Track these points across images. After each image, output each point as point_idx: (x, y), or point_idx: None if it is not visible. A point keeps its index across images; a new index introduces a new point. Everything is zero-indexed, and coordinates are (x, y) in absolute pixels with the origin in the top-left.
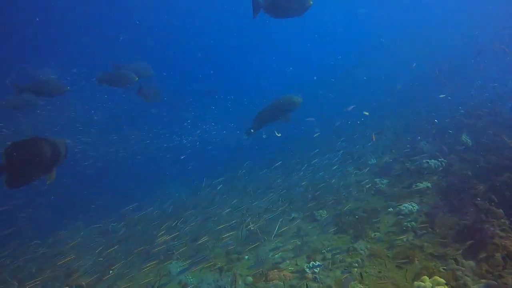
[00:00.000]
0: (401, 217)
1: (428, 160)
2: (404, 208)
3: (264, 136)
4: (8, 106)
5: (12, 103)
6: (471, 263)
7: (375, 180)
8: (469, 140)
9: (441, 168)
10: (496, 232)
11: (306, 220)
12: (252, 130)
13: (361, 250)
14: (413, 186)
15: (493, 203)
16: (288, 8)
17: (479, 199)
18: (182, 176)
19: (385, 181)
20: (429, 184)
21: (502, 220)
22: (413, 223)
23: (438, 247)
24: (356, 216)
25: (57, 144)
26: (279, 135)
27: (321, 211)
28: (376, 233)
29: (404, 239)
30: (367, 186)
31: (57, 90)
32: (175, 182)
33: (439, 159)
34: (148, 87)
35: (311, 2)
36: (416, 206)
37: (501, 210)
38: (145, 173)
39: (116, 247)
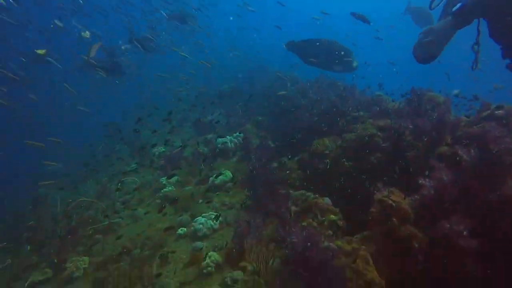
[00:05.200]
0: (198, 244)
1: (222, 138)
2: (201, 226)
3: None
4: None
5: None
6: None
7: (162, 180)
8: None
9: (239, 145)
10: None
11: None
12: None
13: None
14: (210, 180)
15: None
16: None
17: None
18: None
19: (174, 179)
20: (229, 174)
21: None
22: (216, 256)
23: None
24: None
25: None
26: None
27: (78, 259)
28: None
29: None
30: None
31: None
32: None
33: (235, 135)
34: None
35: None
36: (217, 218)
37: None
38: None
39: None
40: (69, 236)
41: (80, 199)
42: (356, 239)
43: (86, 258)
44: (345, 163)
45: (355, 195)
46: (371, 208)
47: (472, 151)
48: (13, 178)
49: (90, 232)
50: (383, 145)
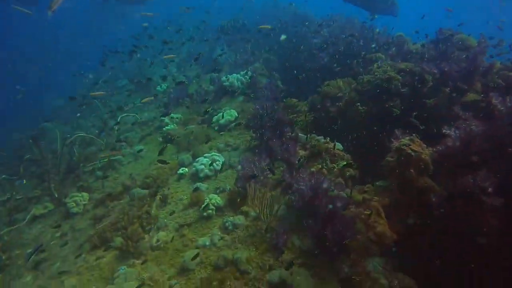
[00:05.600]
0: (199, 185)
1: (228, 76)
2: (202, 166)
3: None
4: None
5: None
6: None
7: (164, 119)
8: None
9: (246, 84)
10: None
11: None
12: None
13: None
14: (214, 119)
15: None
16: None
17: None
18: None
19: (177, 116)
20: (235, 113)
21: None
22: (217, 199)
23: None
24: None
25: None
26: None
27: (78, 195)
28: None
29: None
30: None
31: None
32: None
33: (242, 73)
34: None
35: None
36: (220, 159)
37: (348, 156)
38: None
39: None
40: (70, 172)
41: (77, 134)
42: (368, 188)
43: (85, 195)
44: (360, 107)
45: (369, 142)
46: (387, 157)
47: (509, 99)
48: (14, 113)
49: (91, 168)
50: (403, 90)
